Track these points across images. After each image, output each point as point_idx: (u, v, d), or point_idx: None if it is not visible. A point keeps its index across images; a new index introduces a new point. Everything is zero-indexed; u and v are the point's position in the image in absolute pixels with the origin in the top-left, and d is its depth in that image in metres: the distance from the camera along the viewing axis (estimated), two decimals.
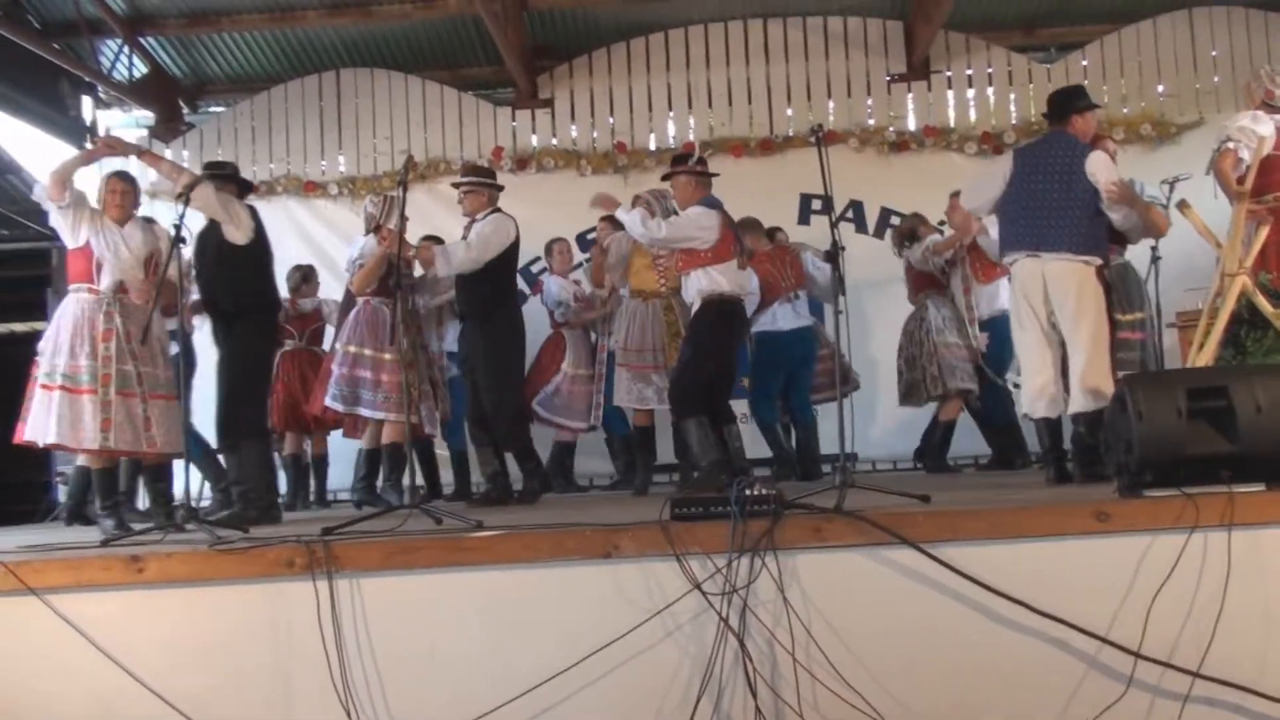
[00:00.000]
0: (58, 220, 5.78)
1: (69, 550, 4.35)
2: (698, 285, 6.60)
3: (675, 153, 7.76)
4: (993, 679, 3.66)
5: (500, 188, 7.07)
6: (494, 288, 6.79)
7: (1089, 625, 3.60)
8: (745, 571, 3.66)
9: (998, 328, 7.62)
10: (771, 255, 8.15)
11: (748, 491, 3.72)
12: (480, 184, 6.91)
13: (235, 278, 5.92)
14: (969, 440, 8.43)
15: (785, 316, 8.09)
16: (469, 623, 3.79)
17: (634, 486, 7.61)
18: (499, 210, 6.84)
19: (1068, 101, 5.96)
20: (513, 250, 6.86)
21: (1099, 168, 5.65)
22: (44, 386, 5.62)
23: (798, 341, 8.15)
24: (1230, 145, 6.05)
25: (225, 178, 6.07)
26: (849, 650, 3.66)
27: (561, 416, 8.24)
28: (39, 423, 5.59)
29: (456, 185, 7.07)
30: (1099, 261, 5.64)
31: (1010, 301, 6.04)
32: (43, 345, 5.74)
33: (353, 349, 7.07)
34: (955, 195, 7.75)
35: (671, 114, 9.96)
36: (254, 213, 6.08)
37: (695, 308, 6.70)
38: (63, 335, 5.65)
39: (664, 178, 6.99)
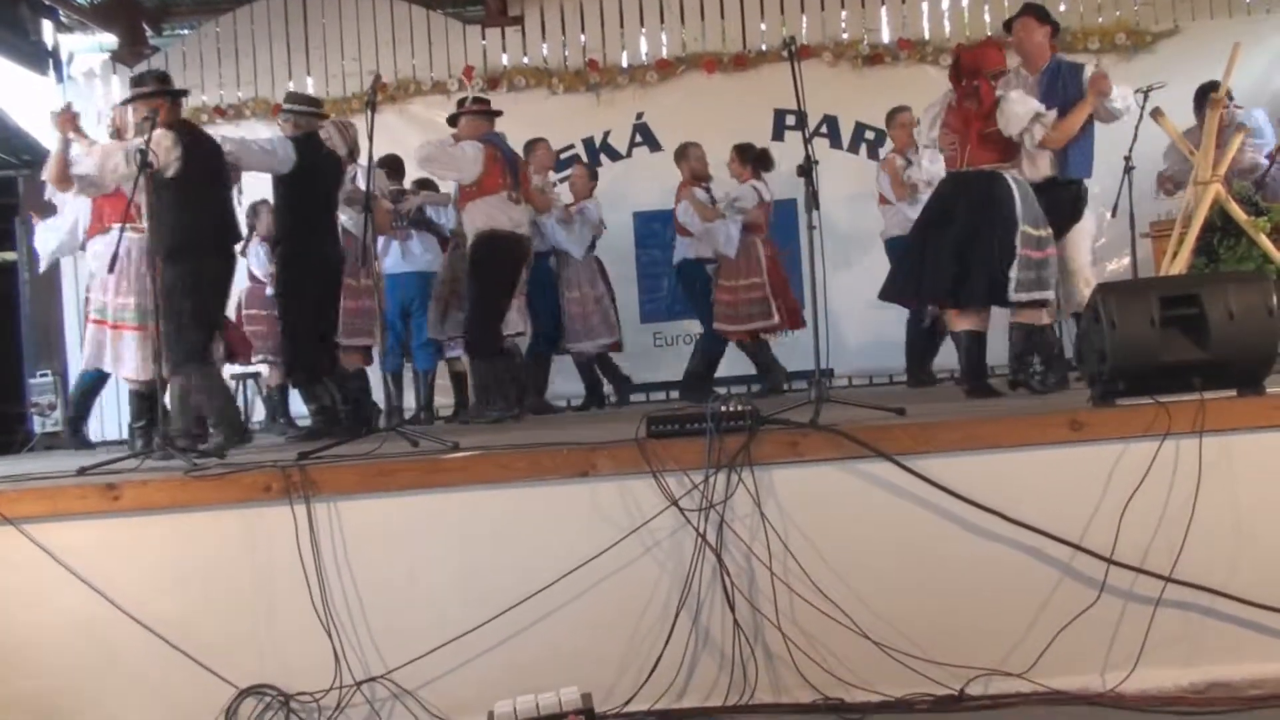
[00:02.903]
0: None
1: (44, 480, 4.33)
2: (471, 221, 6.87)
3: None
4: (968, 588, 3.70)
5: (324, 116, 6.79)
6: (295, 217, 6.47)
7: (1063, 533, 3.63)
8: (722, 487, 3.68)
9: None
10: None
11: (723, 408, 3.72)
12: (295, 111, 6.60)
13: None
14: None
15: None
16: (447, 543, 3.81)
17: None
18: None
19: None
20: (311, 178, 6.41)
21: None
22: None
23: None
24: None
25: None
26: (825, 563, 3.69)
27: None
28: None
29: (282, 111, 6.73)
30: None
31: None
32: None
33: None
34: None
35: (644, 30, 9.83)
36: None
37: (469, 244, 6.97)
38: None
39: (448, 120, 7.18)
